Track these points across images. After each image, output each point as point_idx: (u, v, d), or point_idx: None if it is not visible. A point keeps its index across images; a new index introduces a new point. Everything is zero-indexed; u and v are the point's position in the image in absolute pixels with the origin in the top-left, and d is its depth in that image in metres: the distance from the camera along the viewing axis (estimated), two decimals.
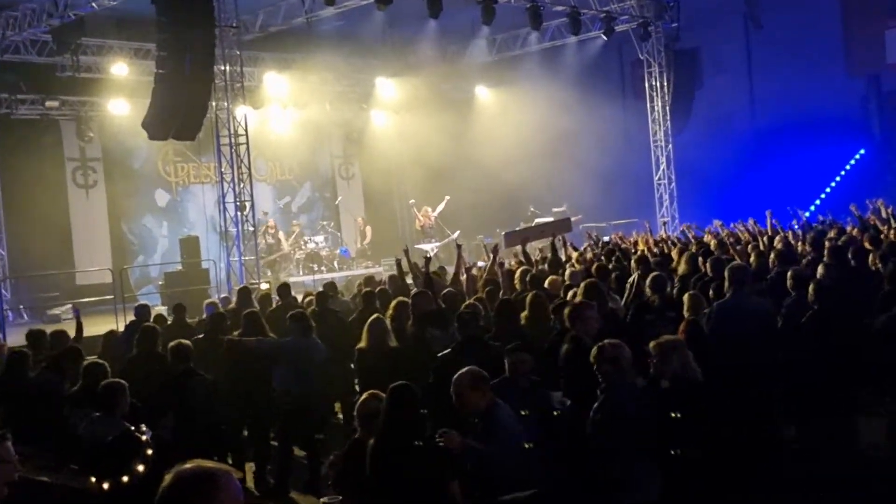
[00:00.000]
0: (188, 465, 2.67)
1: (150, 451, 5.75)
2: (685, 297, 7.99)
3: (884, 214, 13.31)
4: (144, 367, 8.26)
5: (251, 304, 11.44)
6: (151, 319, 10.76)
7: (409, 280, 11.75)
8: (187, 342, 8.21)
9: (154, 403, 7.28)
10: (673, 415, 5.28)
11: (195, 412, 7.53)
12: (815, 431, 7.80)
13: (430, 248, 20.70)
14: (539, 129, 22.14)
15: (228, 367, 8.63)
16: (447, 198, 23.12)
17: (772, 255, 9.85)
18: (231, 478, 2.69)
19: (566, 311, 7.03)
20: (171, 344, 8.14)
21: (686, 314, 7.66)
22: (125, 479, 4.96)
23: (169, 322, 10.97)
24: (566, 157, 22.10)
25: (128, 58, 19.11)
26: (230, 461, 8.87)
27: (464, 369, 5.51)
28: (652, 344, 5.63)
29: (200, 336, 9.41)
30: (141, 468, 5.40)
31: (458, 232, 21.84)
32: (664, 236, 16.68)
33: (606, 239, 16.02)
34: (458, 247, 12.00)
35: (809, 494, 6.88)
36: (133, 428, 6.22)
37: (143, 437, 6.04)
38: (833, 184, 23.92)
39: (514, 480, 5.32)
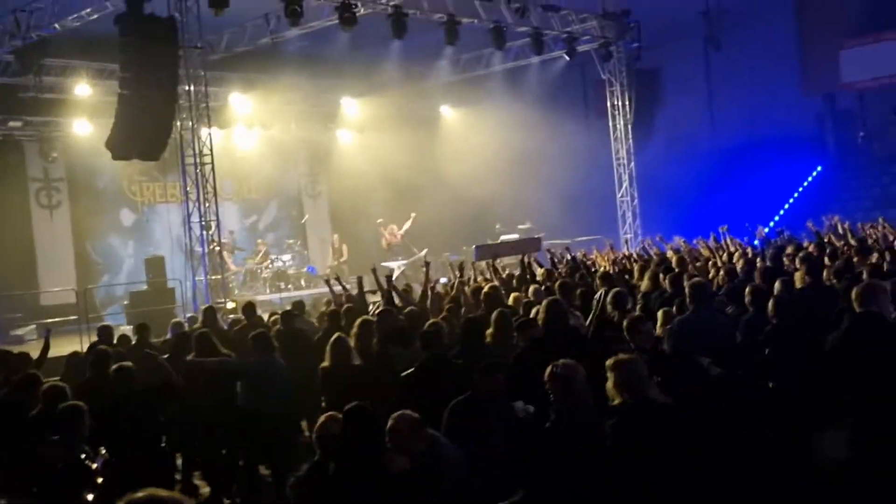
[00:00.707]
0: (140, 494, 2.66)
1: (100, 479, 5.70)
2: (659, 314, 8.06)
3: (840, 230, 13.63)
4: (98, 391, 7.94)
5: (216, 323, 11.42)
6: (115, 340, 10.71)
7: (377, 298, 11.79)
8: (129, 364, 7.93)
9: (97, 428, 7.09)
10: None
11: (137, 437, 7.20)
12: (776, 445, 7.92)
13: (396, 266, 20.76)
14: (503, 147, 22.35)
15: (191, 389, 8.58)
16: (413, 215, 23.17)
17: (721, 273, 10.02)
18: None
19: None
20: (113, 367, 7.86)
21: (658, 330, 7.70)
22: None
23: (133, 342, 10.90)
24: (530, 175, 22.29)
25: (91, 78, 19.00)
26: (194, 481, 8.87)
27: (395, 416, 5.26)
28: (608, 362, 5.57)
29: (165, 356, 9.37)
30: (90, 497, 5.35)
31: (425, 250, 21.90)
32: (626, 253, 16.88)
33: (571, 255, 16.12)
34: (427, 264, 12.04)
35: None
36: (91, 452, 6.16)
37: (95, 465, 5.96)
38: (791, 200, 24.39)
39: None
